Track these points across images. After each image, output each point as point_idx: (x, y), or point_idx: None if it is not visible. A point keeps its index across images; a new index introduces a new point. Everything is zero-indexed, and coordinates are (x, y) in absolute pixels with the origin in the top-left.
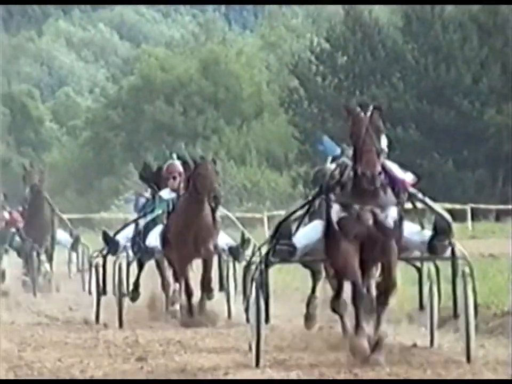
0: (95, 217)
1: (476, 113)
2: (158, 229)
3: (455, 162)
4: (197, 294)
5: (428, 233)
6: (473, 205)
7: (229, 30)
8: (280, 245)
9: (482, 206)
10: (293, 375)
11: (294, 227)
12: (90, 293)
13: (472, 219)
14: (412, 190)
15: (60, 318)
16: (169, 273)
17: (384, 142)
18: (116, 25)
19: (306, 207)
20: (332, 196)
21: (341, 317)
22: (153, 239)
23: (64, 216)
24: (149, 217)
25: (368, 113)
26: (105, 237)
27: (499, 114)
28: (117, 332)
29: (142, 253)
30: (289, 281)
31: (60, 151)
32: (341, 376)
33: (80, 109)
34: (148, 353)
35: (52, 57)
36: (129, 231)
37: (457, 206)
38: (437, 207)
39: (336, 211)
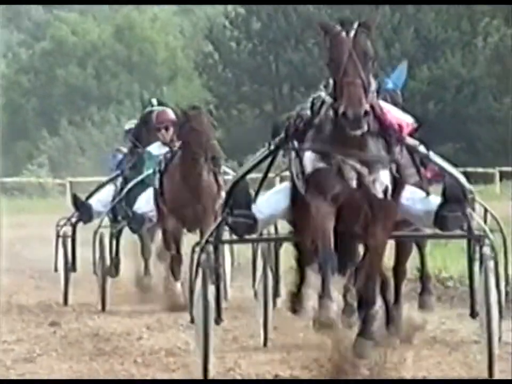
0: (7, 181)
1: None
2: (149, 192)
3: None
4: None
5: (435, 200)
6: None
7: None
8: (235, 217)
9: None
10: None
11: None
12: (56, 269)
13: None
14: (410, 141)
15: None
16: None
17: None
18: None
19: (268, 160)
20: (303, 143)
21: None
22: (143, 204)
23: None
24: (138, 178)
25: (352, 33)
26: (75, 201)
27: (411, 80)
28: (30, 297)
29: (129, 221)
30: None
31: None
32: None
33: None
34: (61, 318)
35: None
36: (104, 193)
37: None
38: (447, 165)
39: (310, 160)
